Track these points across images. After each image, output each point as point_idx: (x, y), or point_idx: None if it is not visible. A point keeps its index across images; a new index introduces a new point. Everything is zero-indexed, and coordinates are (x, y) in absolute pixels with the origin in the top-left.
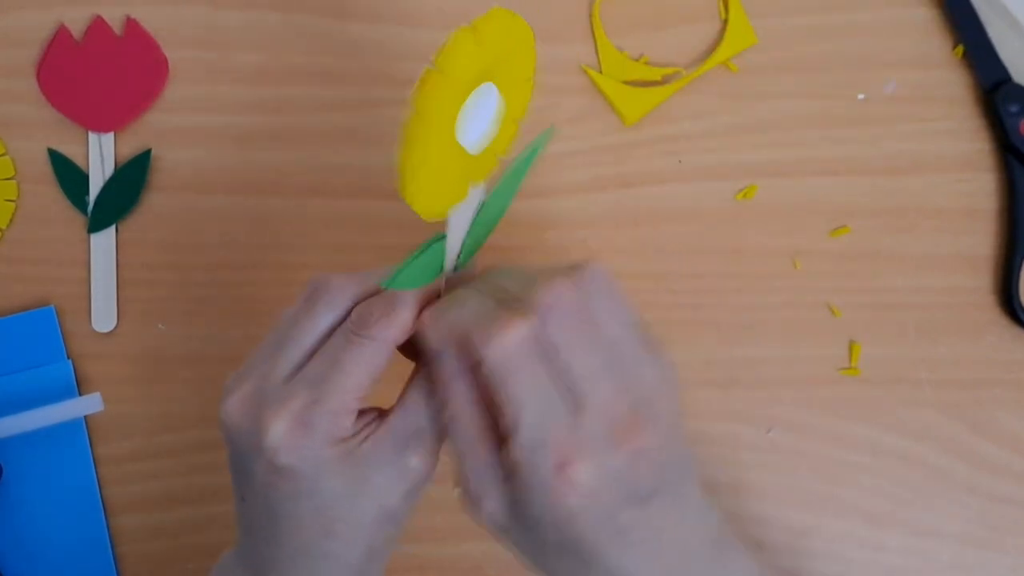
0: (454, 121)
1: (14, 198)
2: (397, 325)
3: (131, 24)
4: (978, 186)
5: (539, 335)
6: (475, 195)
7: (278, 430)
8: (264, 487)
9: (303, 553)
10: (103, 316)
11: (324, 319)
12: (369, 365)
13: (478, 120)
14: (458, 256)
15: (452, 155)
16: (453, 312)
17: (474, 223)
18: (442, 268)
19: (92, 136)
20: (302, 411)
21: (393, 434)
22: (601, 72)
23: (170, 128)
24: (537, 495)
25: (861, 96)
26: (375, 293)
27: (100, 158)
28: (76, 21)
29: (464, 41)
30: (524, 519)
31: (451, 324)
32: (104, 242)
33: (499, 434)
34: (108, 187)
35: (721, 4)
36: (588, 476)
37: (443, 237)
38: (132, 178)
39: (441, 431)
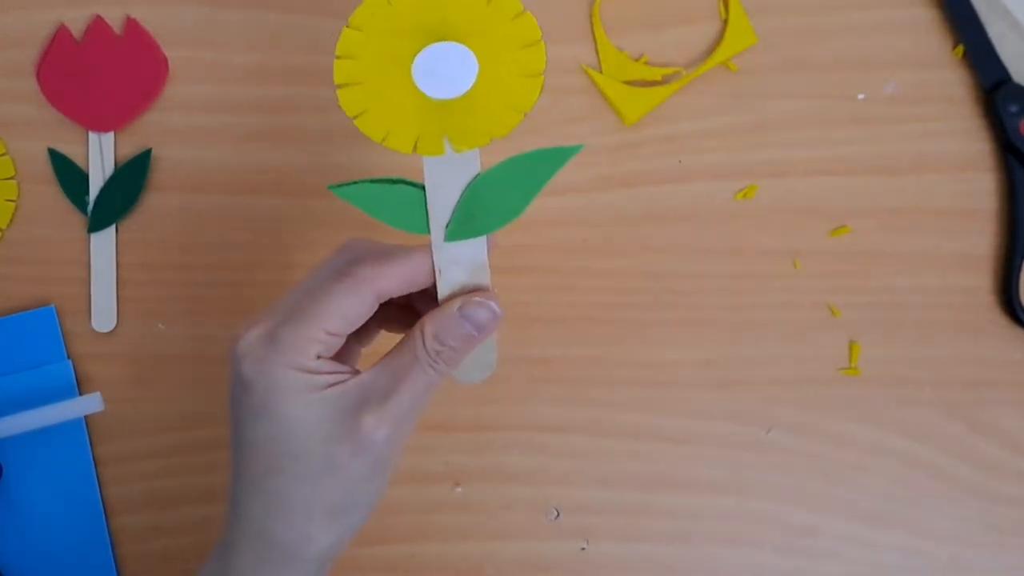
0: (400, 54)
1: (14, 198)
2: (384, 274)
3: (131, 24)
4: (978, 186)
5: None
6: (460, 161)
7: (247, 340)
8: (233, 406)
9: (254, 486)
10: (103, 316)
11: (329, 264)
12: (344, 302)
13: (445, 73)
14: (447, 224)
15: (396, 83)
16: None
17: (472, 199)
18: (425, 223)
19: (92, 136)
20: (272, 328)
21: (359, 388)
22: (601, 72)
23: (170, 128)
24: None
25: (861, 96)
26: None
27: (100, 158)
28: (76, 21)
29: None
30: None
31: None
32: (104, 242)
33: None
34: (108, 187)
35: (721, 4)
36: None
37: (416, 185)
38: (132, 178)
39: (408, 408)
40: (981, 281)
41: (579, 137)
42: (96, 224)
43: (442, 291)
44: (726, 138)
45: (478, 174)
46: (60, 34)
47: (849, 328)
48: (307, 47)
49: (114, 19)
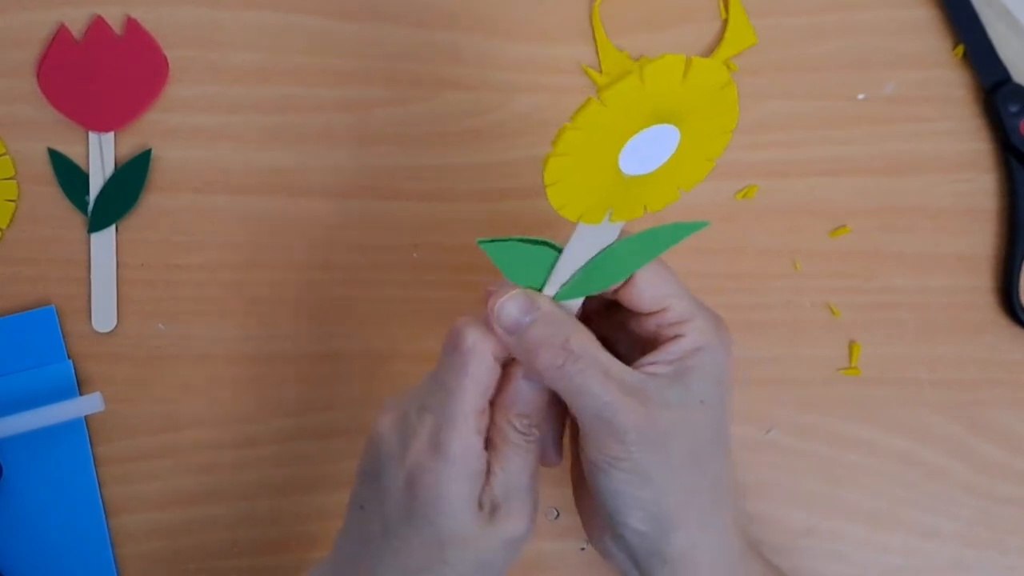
0: (612, 144)
1: (14, 198)
2: (487, 335)
3: (131, 24)
4: (978, 186)
5: None
6: (608, 230)
7: (416, 447)
8: (394, 502)
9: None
10: (103, 316)
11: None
12: (478, 380)
13: (648, 153)
14: (564, 284)
15: (603, 166)
16: None
17: (594, 263)
18: (543, 281)
19: (92, 136)
20: (433, 435)
21: (490, 492)
22: (601, 72)
23: (170, 128)
24: (715, 351)
25: (861, 96)
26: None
27: (100, 158)
28: (76, 21)
29: (629, 83)
30: (688, 393)
31: None
32: (104, 242)
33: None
34: (108, 187)
35: (721, 4)
36: (730, 339)
37: (556, 248)
38: (132, 178)
39: (525, 486)
40: (981, 281)
41: None
42: (96, 224)
43: None
44: None
45: (613, 242)
46: (60, 34)
47: (849, 328)
48: (307, 47)
49: (114, 19)
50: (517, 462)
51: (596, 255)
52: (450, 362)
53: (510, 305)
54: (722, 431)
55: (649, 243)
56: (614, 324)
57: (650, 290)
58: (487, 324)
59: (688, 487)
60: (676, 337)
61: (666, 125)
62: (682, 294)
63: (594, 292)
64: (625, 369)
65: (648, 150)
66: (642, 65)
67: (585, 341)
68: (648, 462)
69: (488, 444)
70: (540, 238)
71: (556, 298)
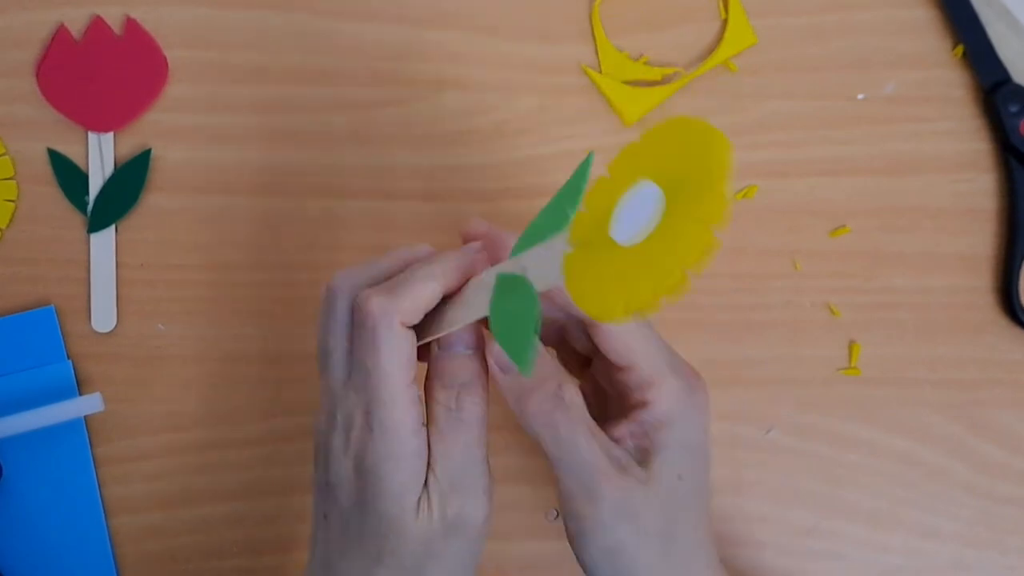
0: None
1: (14, 198)
2: (398, 307)
3: (131, 24)
4: (978, 186)
5: None
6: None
7: (355, 435)
8: (346, 494)
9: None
10: (103, 316)
11: (337, 326)
12: (396, 351)
13: (634, 216)
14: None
15: (607, 250)
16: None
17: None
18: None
19: (92, 136)
20: (364, 417)
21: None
22: (601, 72)
23: (170, 128)
24: (681, 426)
25: (861, 96)
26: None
27: (100, 158)
28: (76, 21)
29: (631, 155)
30: (661, 469)
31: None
32: (104, 242)
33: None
34: (108, 187)
35: (721, 4)
36: (706, 403)
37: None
38: (132, 178)
39: (460, 465)
40: (981, 281)
41: (579, 137)
42: (96, 224)
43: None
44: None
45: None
46: (60, 34)
47: (849, 328)
48: (307, 47)
49: (114, 19)
50: (457, 440)
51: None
52: (360, 340)
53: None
54: (699, 497)
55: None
56: (595, 371)
57: (618, 340)
58: (387, 291)
59: (663, 556)
60: (643, 405)
61: (651, 184)
62: (651, 352)
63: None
64: (607, 438)
65: (635, 215)
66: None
67: (576, 394)
68: (623, 536)
69: (428, 423)
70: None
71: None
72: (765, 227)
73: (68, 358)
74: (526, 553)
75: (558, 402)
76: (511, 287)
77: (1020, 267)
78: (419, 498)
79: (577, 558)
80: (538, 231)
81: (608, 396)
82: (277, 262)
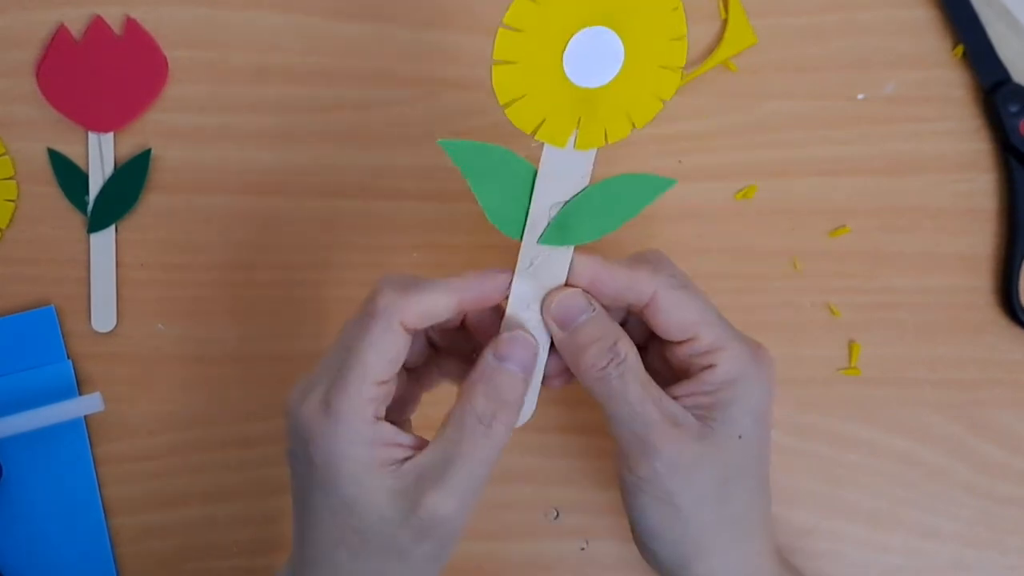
0: (553, 46)
1: (14, 198)
2: (403, 304)
3: (131, 24)
4: (978, 186)
5: (678, 276)
6: (576, 160)
7: (305, 409)
8: (295, 470)
9: (322, 555)
10: (103, 316)
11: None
12: (375, 342)
13: (594, 62)
14: (545, 228)
15: (548, 71)
16: (607, 262)
17: (571, 207)
18: (521, 223)
19: (92, 136)
20: (325, 395)
21: (415, 468)
22: None
23: (170, 128)
24: (751, 384)
25: (861, 96)
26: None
27: (100, 158)
28: (76, 21)
29: None
30: (722, 427)
31: (612, 269)
32: (104, 242)
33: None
34: (108, 187)
35: (721, 4)
36: (771, 369)
37: (532, 171)
38: (132, 178)
39: (468, 482)
40: (981, 281)
41: None
42: (96, 224)
43: (511, 306)
44: (726, 138)
45: (587, 186)
46: (60, 34)
47: (849, 328)
48: (307, 47)
49: (114, 19)
50: (475, 454)
51: (573, 198)
52: (356, 322)
53: (568, 301)
54: (758, 463)
55: (626, 193)
56: (651, 355)
57: (676, 315)
58: (401, 288)
59: (716, 517)
60: (708, 367)
61: (607, 29)
62: (712, 321)
63: (583, 242)
64: (663, 394)
65: (593, 58)
66: None
67: (632, 351)
68: (676, 491)
69: (447, 423)
70: (508, 151)
71: (540, 242)
72: (765, 227)
73: (68, 358)
74: (526, 553)
75: (613, 356)
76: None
77: (1020, 267)
78: (380, 479)
79: (627, 513)
80: (504, 203)
81: (672, 368)
82: (277, 262)
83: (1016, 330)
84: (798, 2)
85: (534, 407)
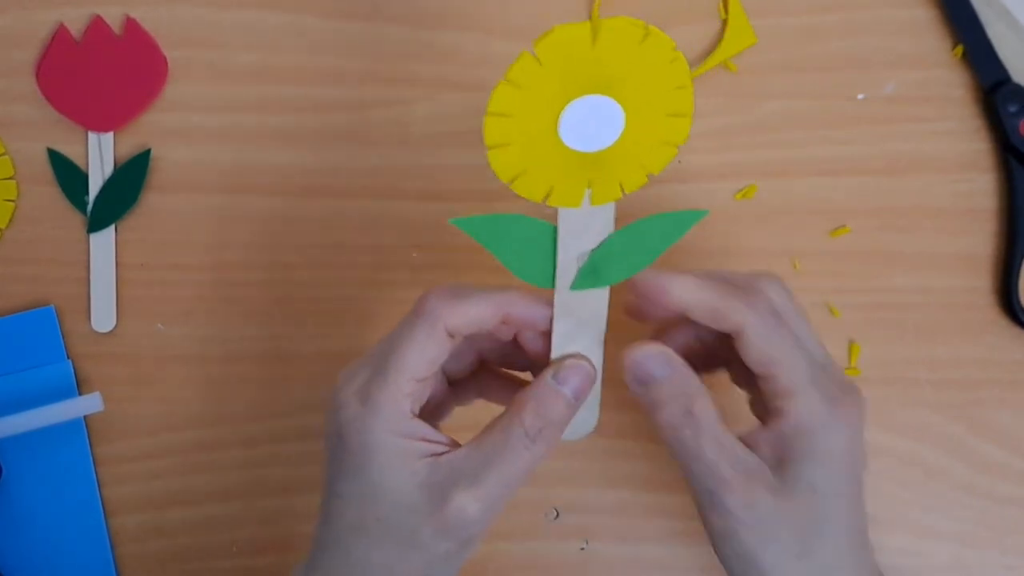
0: (549, 110)
1: (13, 198)
2: (451, 310)
3: (131, 24)
4: (978, 186)
5: (776, 308)
6: (596, 212)
7: (345, 395)
8: (329, 456)
9: (340, 541)
10: (102, 316)
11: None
12: (417, 342)
13: (593, 128)
14: (575, 277)
15: (545, 140)
16: (692, 276)
17: (600, 252)
18: (550, 273)
19: (91, 136)
20: (365, 385)
21: (450, 466)
22: None
23: (170, 128)
24: (820, 437)
25: (861, 96)
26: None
27: (99, 158)
28: (75, 21)
29: (562, 36)
30: (795, 481)
31: (697, 283)
32: (103, 242)
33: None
34: (107, 187)
35: (721, 4)
36: (856, 419)
37: (552, 229)
38: (131, 178)
39: (499, 491)
40: (981, 281)
41: None
42: (95, 224)
43: (555, 345)
44: (726, 138)
45: (612, 232)
46: (60, 34)
47: (849, 328)
48: (307, 47)
49: (114, 19)
50: (515, 465)
51: (600, 245)
52: (403, 322)
53: (646, 361)
54: (847, 515)
55: (654, 232)
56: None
57: (756, 351)
58: (451, 295)
59: (797, 564)
60: (780, 413)
61: (604, 97)
62: (794, 364)
63: (615, 282)
64: (738, 445)
65: (591, 124)
66: (594, 25)
67: (708, 409)
68: (752, 546)
69: (493, 430)
70: (530, 218)
71: (573, 288)
72: (765, 227)
73: (68, 358)
74: (526, 553)
75: (687, 418)
76: (605, 262)
77: (1020, 267)
78: (411, 471)
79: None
80: (528, 262)
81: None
82: (277, 262)
83: (1016, 330)
84: (798, 2)
85: (595, 421)
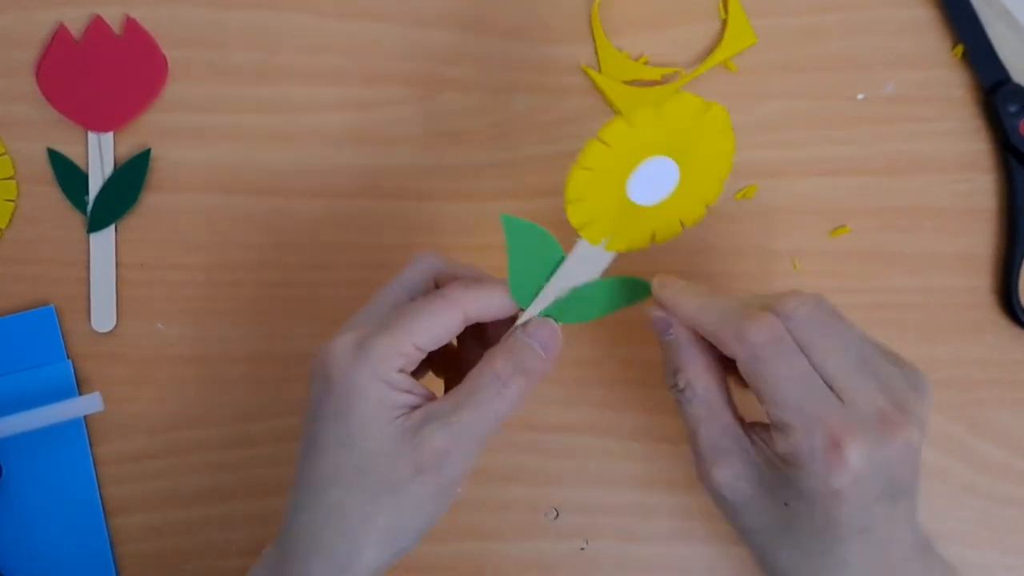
0: (621, 170)
1: (13, 198)
2: (474, 298)
3: (131, 24)
4: (977, 186)
5: (792, 330)
6: (600, 257)
7: (337, 344)
8: (311, 406)
9: (316, 494)
10: (102, 316)
11: (405, 278)
12: (434, 320)
13: (653, 184)
14: (549, 304)
15: (612, 195)
16: (700, 299)
17: (576, 292)
18: (537, 288)
19: (91, 136)
20: (363, 336)
21: (425, 410)
22: (601, 72)
23: (170, 128)
24: (806, 474)
25: (861, 96)
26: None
27: (99, 158)
28: (75, 21)
29: (641, 117)
30: (777, 496)
31: (700, 306)
32: (103, 242)
33: (739, 416)
34: (107, 187)
35: (721, 4)
36: (859, 459)
37: (562, 254)
38: (131, 178)
39: (468, 427)
40: (981, 281)
41: (579, 137)
42: (95, 224)
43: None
44: None
45: (597, 278)
46: (60, 34)
47: None
48: (307, 47)
49: (114, 19)
50: (487, 409)
51: (582, 285)
52: (427, 297)
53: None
54: (851, 552)
55: (618, 291)
56: None
57: (747, 378)
58: (475, 286)
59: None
60: (774, 431)
61: (666, 158)
62: (785, 396)
63: (568, 322)
64: (735, 430)
65: (652, 181)
66: (659, 102)
67: (696, 378)
68: (742, 517)
69: (465, 379)
70: (549, 235)
71: (541, 315)
72: (765, 227)
73: (68, 358)
74: (526, 553)
75: (674, 383)
76: (573, 302)
77: (1020, 267)
78: (391, 420)
79: None
80: (531, 270)
81: None
82: (277, 262)
83: (1016, 330)
84: (798, 2)
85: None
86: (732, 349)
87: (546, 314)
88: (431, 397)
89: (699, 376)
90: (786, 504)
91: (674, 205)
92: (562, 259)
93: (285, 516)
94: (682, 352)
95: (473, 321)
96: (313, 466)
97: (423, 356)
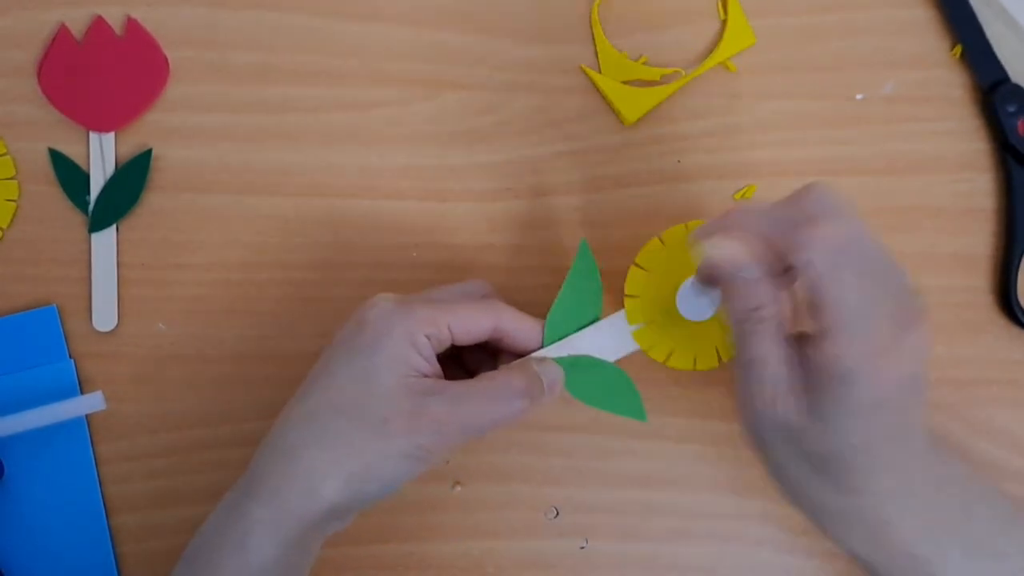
0: (670, 281)
1: (15, 198)
2: (509, 315)
3: (131, 24)
4: (976, 186)
5: (851, 235)
6: (623, 343)
7: (383, 298)
8: (337, 343)
9: (310, 415)
10: (104, 315)
11: (458, 286)
12: (475, 317)
13: (696, 300)
14: (564, 357)
15: (660, 307)
16: (759, 214)
17: (582, 361)
18: (573, 330)
19: (93, 136)
20: (408, 300)
21: (438, 383)
22: (600, 72)
23: (170, 128)
24: (855, 382)
25: (860, 96)
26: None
27: (101, 158)
28: (76, 21)
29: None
30: (825, 416)
31: (767, 216)
32: (105, 242)
33: (798, 339)
34: (109, 187)
35: (720, 4)
36: (899, 371)
37: (596, 316)
38: (133, 178)
39: (469, 417)
40: (980, 281)
41: (579, 137)
42: (97, 224)
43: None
44: (726, 138)
45: (609, 362)
46: (60, 34)
47: None
48: (307, 47)
49: (114, 19)
50: (481, 403)
51: (590, 357)
52: (471, 296)
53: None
54: (878, 452)
55: (618, 388)
56: None
57: (808, 284)
58: (515, 309)
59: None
60: (818, 342)
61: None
62: (846, 300)
63: (566, 386)
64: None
65: (699, 298)
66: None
67: (773, 311)
68: (781, 458)
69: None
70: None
71: (556, 361)
72: None
73: (69, 357)
74: (526, 552)
75: (748, 316)
76: (582, 369)
77: (1018, 267)
78: (409, 370)
79: None
80: (570, 315)
81: None
82: (277, 262)
83: (1015, 330)
84: (797, 2)
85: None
86: (793, 260)
87: (560, 363)
88: (439, 374)
89: (776, 307)
90: (830, 422)
91: (713, 330)
92: (596, 319)
93: (272, 431)
94: (763, 285)
95: (499, 336)
96: (322, 389)
97: (448, 343)
